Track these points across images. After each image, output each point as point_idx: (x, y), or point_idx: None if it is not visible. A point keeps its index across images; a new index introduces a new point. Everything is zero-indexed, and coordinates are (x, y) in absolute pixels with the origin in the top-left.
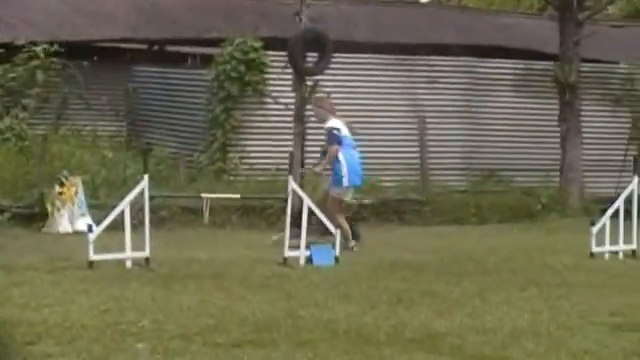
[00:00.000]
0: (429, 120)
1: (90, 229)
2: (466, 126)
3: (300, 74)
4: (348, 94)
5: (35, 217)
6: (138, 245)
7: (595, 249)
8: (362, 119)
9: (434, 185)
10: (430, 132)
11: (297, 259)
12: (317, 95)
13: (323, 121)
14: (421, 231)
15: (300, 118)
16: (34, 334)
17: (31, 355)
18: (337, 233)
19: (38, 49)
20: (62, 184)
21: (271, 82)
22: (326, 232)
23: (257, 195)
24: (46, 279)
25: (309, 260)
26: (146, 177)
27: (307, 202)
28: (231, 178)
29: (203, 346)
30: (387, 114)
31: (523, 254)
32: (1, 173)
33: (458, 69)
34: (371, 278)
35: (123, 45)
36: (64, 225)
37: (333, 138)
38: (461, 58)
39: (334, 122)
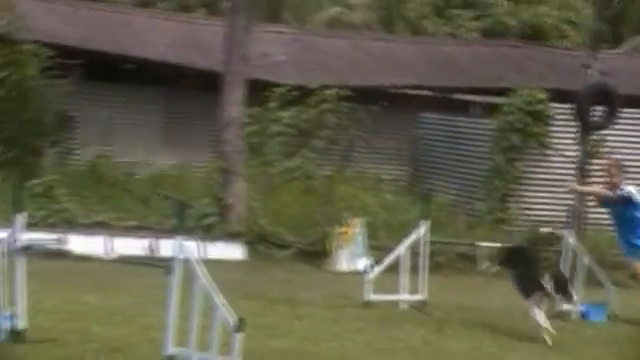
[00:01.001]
0: None
1: (368, 269)
2: None
3: (586, 128)
4: (634, 150)
5: (317, 254)
6: (414, 288)
7: None
8: None
9: None
10: None
11: (570, 313)
12: (610, 159)
13: (614, 185)
14: None
15: (583, 172)
16: None
17: None
18: (611, 290)
19: (330, 92)
20: (344, 224)
21: (554, 134)
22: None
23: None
24: (325, 315)
25: (582, 315)
26: (426, 222)
27: (583, 257)
28: (509, 228)
29: None
30: None
31: None
32: (288, 210)
33: None
34: None
35: (411, 92)
36: (344, 264)
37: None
38: None
39: (629, 188)
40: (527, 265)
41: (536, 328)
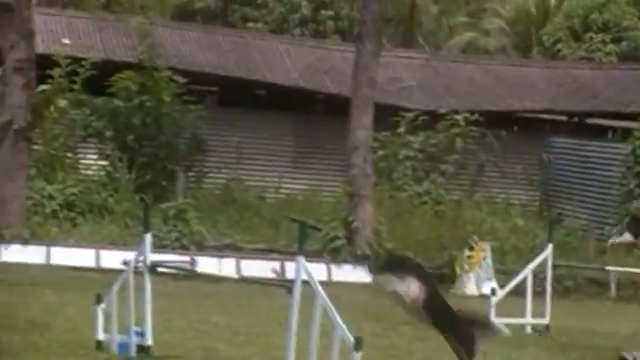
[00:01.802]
0: None
1: (494, 293)
2: None
3: None
4: None
5: (444, 278)
6: (539, 312)
7: None
8: None
9: None
10: None
11: None
12: None
13: None
14: None
15: None
16: None
17: None
18: None
19: (459, 117)
20: (472, 248)
21: None
22: None
23: None
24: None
25: None
26: (550, 246)
27: None
28: None
29: None
30: None
31: None
32: (415, 234)
33: None
34: None
35: (542, 116)
36: (471, 287)
37: None
38: None
39: None
40: None
41: None
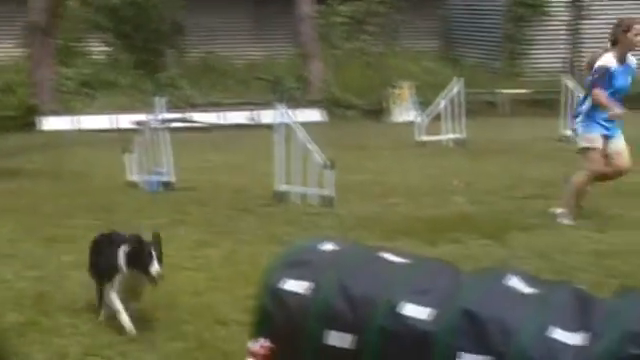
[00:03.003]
0: None
1: (420, 118)
2: None
3: None
4: None
5: (377, 112)
6: (455, 130)
7: None
8: None
9: None
10: None
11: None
12: None
13: None
14: None
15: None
16: (385, 190)
17: (385, 203)
18: None
19: None
20: (396, 87)
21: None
22: None
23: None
24: (388, 154)
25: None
26: (462, 79)
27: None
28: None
29: (502, 199)
30: None
31: None
32: (353, 81)
33: None
34: None
35: None
36: (399, 117)
37: None
38: None
39: None
40: None
41: (547, 150)
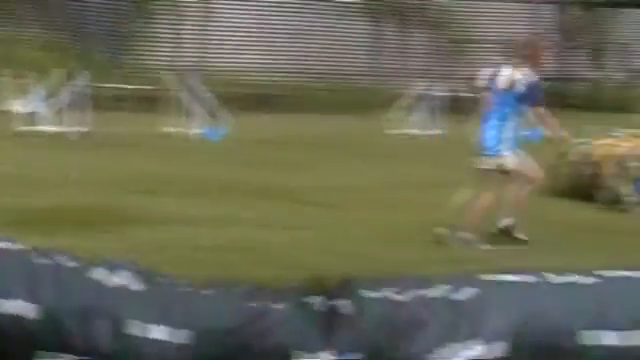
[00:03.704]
0: None
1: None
2: None
3: None
4: None
5: None
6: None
7: None
8: None
9: None
10: None
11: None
12: None
13: None
14: None
15: None
16: None
17: None
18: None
19: None
20: None
21: None
22: None
23: None
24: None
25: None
26: (87, 72)
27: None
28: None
29: (120, 192)
30: None
31: None
32: None
33: None
34: None
35: None
36: (20, 107)
37: None
38: None
39: None
40: None
41: None
